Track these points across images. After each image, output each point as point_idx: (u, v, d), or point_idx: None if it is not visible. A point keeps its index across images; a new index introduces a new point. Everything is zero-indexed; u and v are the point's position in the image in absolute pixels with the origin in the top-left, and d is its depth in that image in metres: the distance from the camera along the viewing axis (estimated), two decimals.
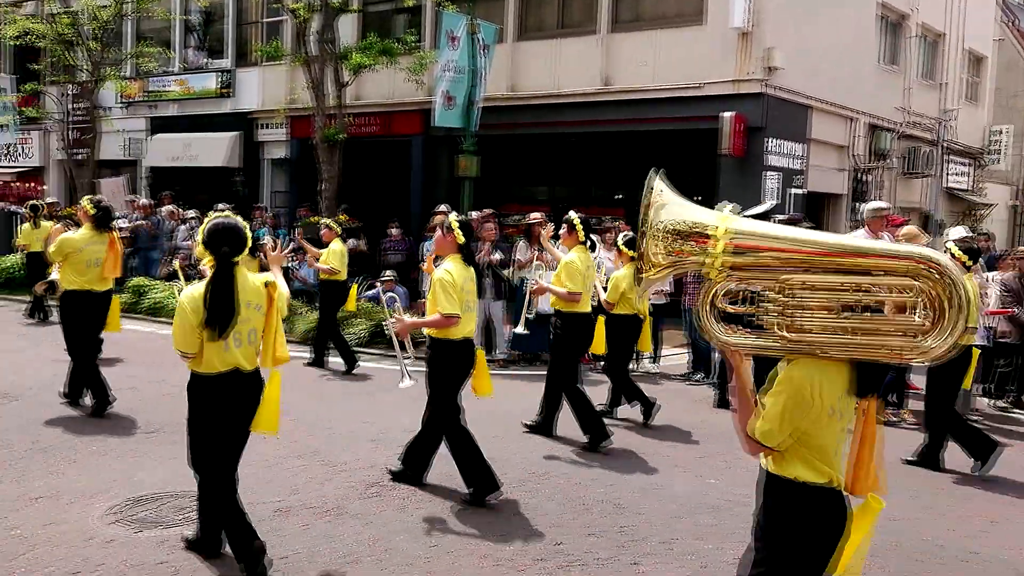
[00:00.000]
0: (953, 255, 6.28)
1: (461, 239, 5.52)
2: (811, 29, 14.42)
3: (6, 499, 5.19)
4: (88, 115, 19.06)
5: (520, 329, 8.20)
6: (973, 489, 6.35)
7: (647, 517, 5.36)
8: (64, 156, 20.77)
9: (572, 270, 6.76)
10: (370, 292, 12.62)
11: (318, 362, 9.87)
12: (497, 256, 10.08)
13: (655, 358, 10.37)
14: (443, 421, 5.66)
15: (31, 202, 13.77)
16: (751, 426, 2.76)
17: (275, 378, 4.33)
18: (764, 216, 8.59)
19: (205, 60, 21.65)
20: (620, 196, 16.24)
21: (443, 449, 5.69)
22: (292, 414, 7.38)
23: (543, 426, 7.22)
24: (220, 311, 4.10)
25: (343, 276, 9.86)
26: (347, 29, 16.46)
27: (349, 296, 9.83)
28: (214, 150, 20.20)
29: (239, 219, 4.35)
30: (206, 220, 4.34)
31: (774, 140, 14.00)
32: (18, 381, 8.40)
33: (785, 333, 2.66)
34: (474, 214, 11.11)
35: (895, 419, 8.29)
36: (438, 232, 5.67)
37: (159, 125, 22.14)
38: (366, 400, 8.36)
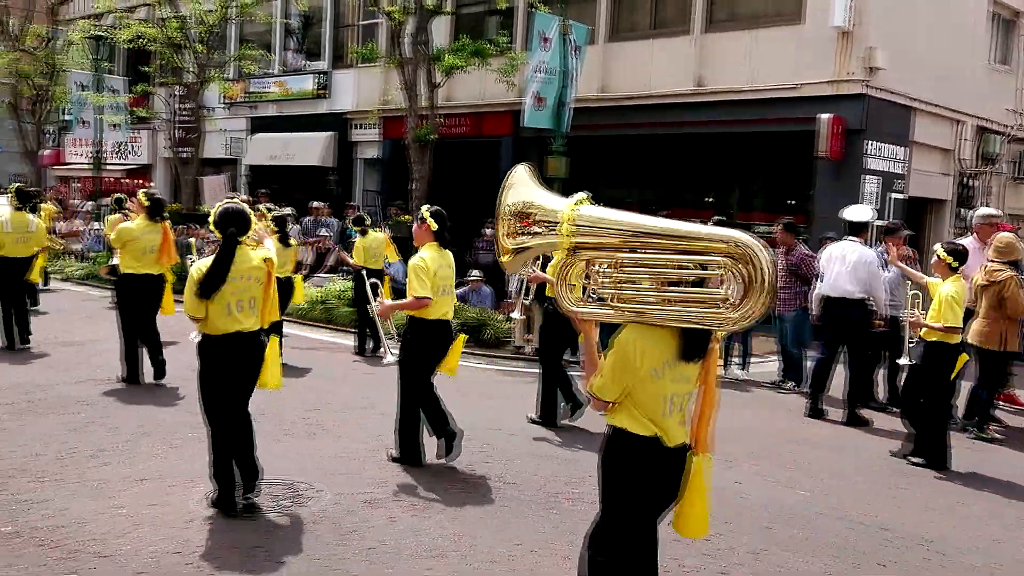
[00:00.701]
0: (939, 256, 6.67)
1: (434, 227, 5.95)
2: (916, 27, 13.87)
3: (114, 479, 5.47)
4: (193, 115, 19.90)
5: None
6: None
7: (734, 526, 5.25)
8: (170, 154, 21.76)
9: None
10: (459, 291, 12.77)
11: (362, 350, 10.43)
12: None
13: (744, 365, 10.15)
14: (416, 395, 6.04)
15: (116, 195, 14.45)
16: (590, 383, 3.22)
17: (273, 341, 5.15)
18: (862, 225, 8.40)
19: (303, 62, 22.34)
20: (711, 199, 15.97)
21: (544, 448, 5.72)
22: (378, 408, 7.58)
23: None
24: (213, 279, 4.77)
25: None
26: (440, 31, 16.70)
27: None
28: (310, 149, 20.81)
29: (245, 205, 5.17)
30: (216, 209, 5.04)
31: (874, 143, 13.52)
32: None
33: (617, 303, 3.10)
34: None
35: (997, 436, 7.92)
36: (415, 224, 6.16)
37: (258, 125, 22.95)
38: (447, 396, 8.43)
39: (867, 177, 13.47)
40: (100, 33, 19.69)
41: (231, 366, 4.96)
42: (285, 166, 21.83)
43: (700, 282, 3.00)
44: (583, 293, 3.25)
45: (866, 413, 8.26)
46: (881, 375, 9.05)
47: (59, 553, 4.37)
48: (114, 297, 9.56)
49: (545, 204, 3.22)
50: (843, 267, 8.15)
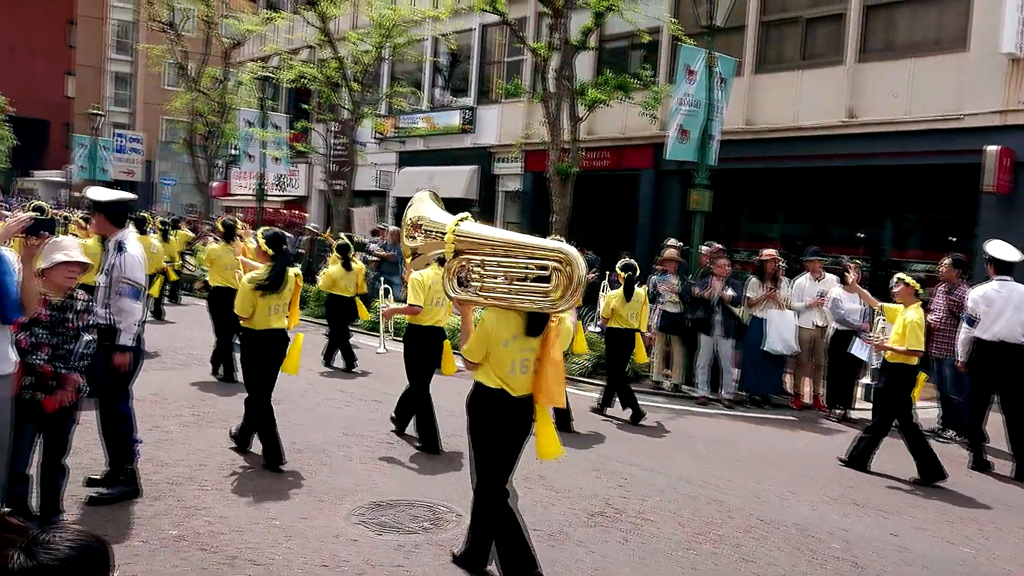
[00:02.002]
0: (906, 284, 7.28)
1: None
2: None
3: (269, 492, 5.79)
4: (346, 150, 20.98)
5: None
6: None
7: None
8: (325, 187, 22.98)
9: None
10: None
11: None
12: (729, 293, 9.82)
13: None
14: (415, 390, 7.30)
15: (224, 219, 15.34)
16: (463, 348, 4.35)
17: (298, 338, 6.66)
18: (1011, 264, 7.77)
19: (450, 99, 23.15)
20: (863, 234, 15.28)
21: (686, 487, 5.60)
22: None
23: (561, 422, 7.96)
24: (275, 282, 6.33)
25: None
26: (584, 65, 16.91)
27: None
28: (455, 182, 21.47)
29: (284, 231, 7.51)
30: (261, 232, 6.82)
31: None
32: (283, 387, 9.30)
33: (482, 292, 4.23)
34: (704, 249, 10.93)
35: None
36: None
37: (406, 159, 23.91)
38: (583, 429, 8.43)
39: None
40: (267, 74, 21.17)
41: (266, 354, 6.46)
42: None
43: (541, 278, 4.07)
44: (459, 284, 4.30)
45: None
46: None
47: (218, 558, 4.65)
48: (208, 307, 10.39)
49: (436, 219, 4.36)
50: (1007, 307, 7.59)
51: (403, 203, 23.69)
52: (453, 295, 4.33)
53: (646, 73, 15.31)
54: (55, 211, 16.53)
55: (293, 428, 7.55)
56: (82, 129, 36.89)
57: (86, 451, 5.91)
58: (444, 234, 4.24)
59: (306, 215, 27.70)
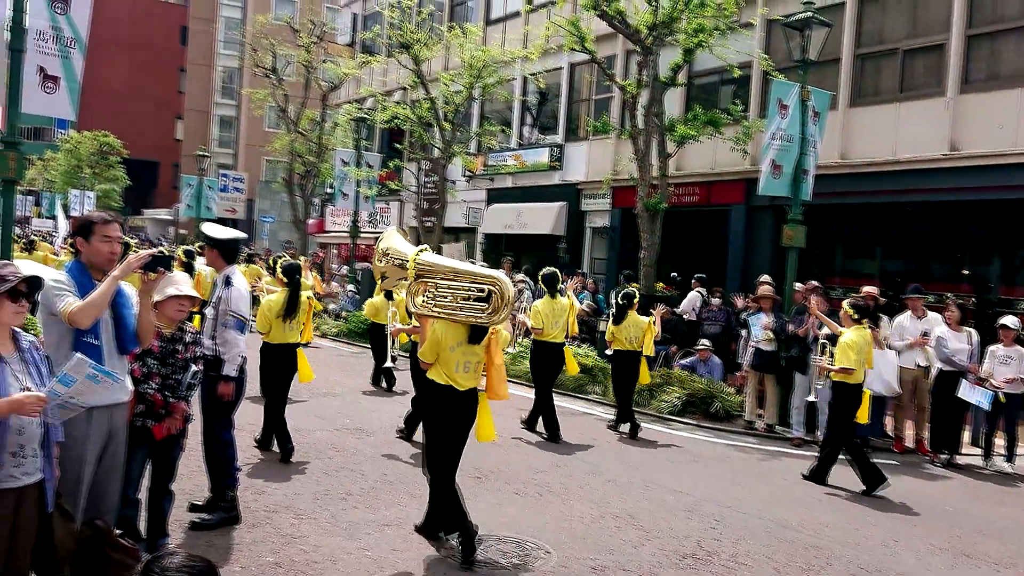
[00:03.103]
0: (845, 310, 7.97)
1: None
2: None
3: (361, 522, 5.89)
4: (437, 187, 21.42)
5: (811, 397, 9.19)
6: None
7: None
8: (416, 223, 23.48)
9: (536, 311, 9.06)
10: (685, 360, 12.58)
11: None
12: (826, 332, 9.53)
13: (1011, 457, 9.08)
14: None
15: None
16: (419, 352, 5.33)
17: (301, 352, 7.61)
18: None
19: (538, 136, 23.43)
20: (967, 272, 14.63)
21: (780, 531, 5.44)
22: (604, 475, 7.59)
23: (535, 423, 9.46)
24: (292, 309, 7.40)
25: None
26: (673, 101, 16.89)
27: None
28: (542, 218, 21.63)
29: (297, 261, 9.21)
30: (281, 259, 8.41)
31: None
32: (375, 418, 9.55)
33: (435, 308, 5.21)
34: (799, 286, 10.67)
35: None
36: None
37: (495, 196, 24.24)
38: (674, 468, 8.28)
39: None
40: (362, 115, 21.91)
41: (281, 364, 7.43)
42: (518, 234, 22.83)
43: (480, 299, 5.10)
44: (419, 300, 5.27)
45: None
46: None
47: None
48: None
49: (401, 249, 5.36)
50: None
51: (490, 238, 24.11)
52: (414, 309, 5.30)
53: (737, 108, 15.17)
54: (163, 247, 17.39)
55: (386, 460, 7.68)
56: (189, 170, 38.81)
57: (188, 477, 6.15)
58: (407, 262, 5.25)
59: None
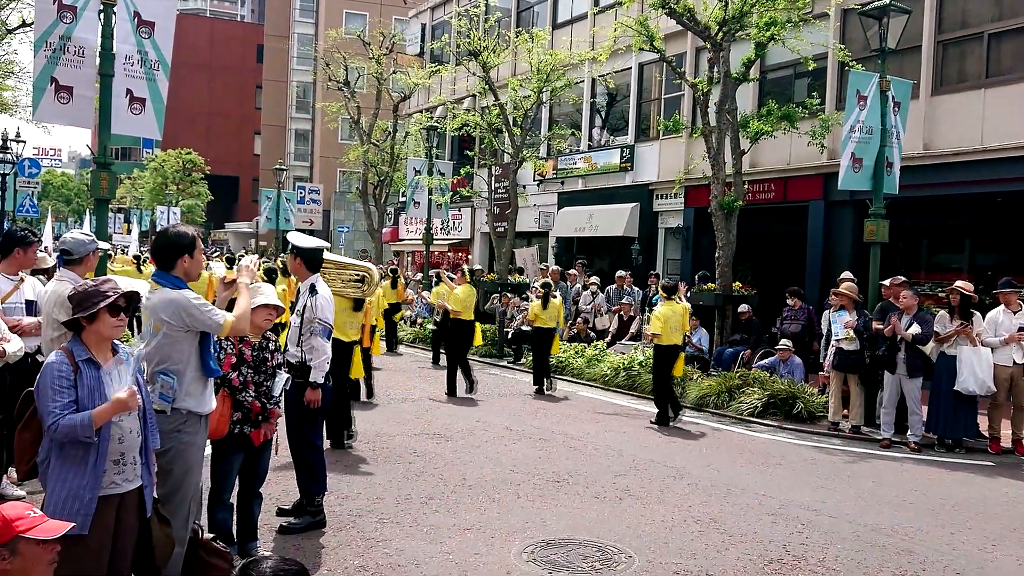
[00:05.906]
0: (657, 289, 10.70)
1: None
2: None
3: (442, 527, 5.96)
4: (508, 193, 21.52)
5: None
6: None
7: None
8: (488, 229, 23.63)
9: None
10: (765, 361, 12.32)
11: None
12: (915, 330, 9.21)
13: None
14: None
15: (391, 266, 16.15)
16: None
17: (357, 349, 8.05)
18: None
19: (608, 138, 23.30)
20: None
21: (871, 535, 5.28)
22: (686, 479, 7.49)
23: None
24: (358, 303, 8.21)
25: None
26: (745, 96, 16.58)
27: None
28: (614, 221, 21.49)
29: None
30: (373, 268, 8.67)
31: None
32: (452, 424, 9.65)
33: (341, 287, 7.46)
34: (886, 282, 10.34)
35: None
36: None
37: (566, 199, 24.20)
38: (757, 471, 8.11)
39: None
40: (433, 124, 22.18)
41: (335, 359, 7.78)
42: (590, 237, 22.74)
43: (358, 280, 7.60)
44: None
45: None
46: None
47: None
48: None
49: (346, 261, 8.03)
50: None
51: (562, 242, 24.09)
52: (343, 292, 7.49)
53: (813, 101, 14.80)
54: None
55: (465, 464, 7.75)
56: (267, 183, 40.00)
57: (276, 483, 6.32)
58: (365, 276, 7.72)
59: (469, 257, 28.58)
